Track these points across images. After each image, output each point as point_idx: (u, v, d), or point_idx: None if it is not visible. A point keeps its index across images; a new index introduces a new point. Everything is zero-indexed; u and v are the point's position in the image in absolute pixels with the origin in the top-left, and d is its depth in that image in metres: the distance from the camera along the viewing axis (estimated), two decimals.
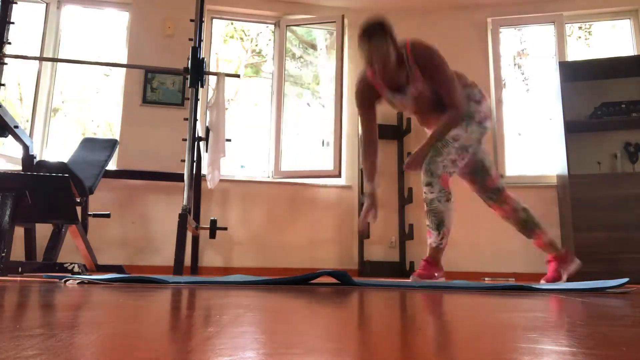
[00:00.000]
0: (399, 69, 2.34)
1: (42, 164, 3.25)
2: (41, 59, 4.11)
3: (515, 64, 5.43)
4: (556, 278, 2.57)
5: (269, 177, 4.95)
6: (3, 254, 2.56)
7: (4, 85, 3.40)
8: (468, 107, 2.42)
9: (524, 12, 5.07)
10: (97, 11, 5.09)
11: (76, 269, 2.81)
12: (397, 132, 4.97)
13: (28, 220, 3.11)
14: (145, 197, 4.62)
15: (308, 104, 5.54)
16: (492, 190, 2.57)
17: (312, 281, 2.14)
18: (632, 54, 4.75)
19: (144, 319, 0.71)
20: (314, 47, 5.66)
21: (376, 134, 2.57)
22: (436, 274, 2.44)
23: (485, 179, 2.59)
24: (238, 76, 4.32)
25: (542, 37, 5.20)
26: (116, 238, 4.50)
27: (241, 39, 6.34)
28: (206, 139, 3.85)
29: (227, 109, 4.85)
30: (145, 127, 4.71)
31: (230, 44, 6.29)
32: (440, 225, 2.37)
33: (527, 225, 2.55)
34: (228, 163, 5.04)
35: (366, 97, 2.48)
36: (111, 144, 3.94)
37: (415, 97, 2.38)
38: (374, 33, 2.21)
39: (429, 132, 2.49)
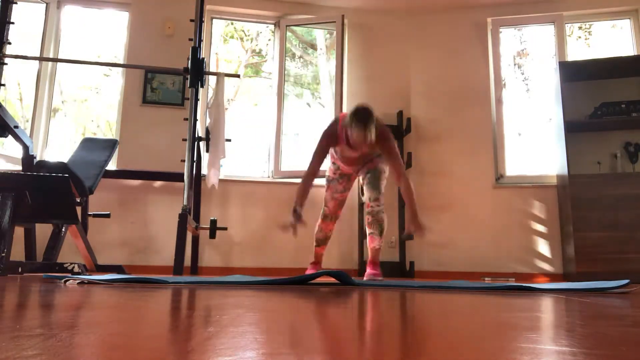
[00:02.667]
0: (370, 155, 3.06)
1: (42, 164, 3.25)
2: (41, 59, 4.11)
3: (515, 64, 5.43)
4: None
5: (269, 177, 4.95)
6: (3, 254, 2.56)
7: (4, 85, 3.40)
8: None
9: (524, 12, 5.07)
10: (97, 11, 5.09)
11: (76, 269, 2.81)
12: (397, 132, 4.96)
13: (28, 220, 3.11)
14: (145, 197, 4.62)
15: (308, 104, 5.54)
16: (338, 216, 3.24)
17: (311, 281, 2.14)
18: (632, 54, 4.74)
19: (144, 319, 0.71)
20: (314, 47, 5.66)
21: (317, 173, 2.99)
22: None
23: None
24: (238, 76, 4.33)
25: (542, 37, 5.20)
26: (116, 238, 4.50)
27: (241, 39, 6.34)
28: (206, 139, 3.85)
29: (227, 109, 4.85)
30: (145, 127, 4.71)
31: (230, 44, 6.29)
32: (382, 231, 2.98)
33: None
34: (229, 163, 5.04)
35: (328, 145, 2.95)
36: (111, 144, 3.94)
37: (362, 153, 2.95)
38: (369, 120, 2.70)
39: (346, 167, 3.11)
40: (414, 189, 2.85)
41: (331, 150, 3.07)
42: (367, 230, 2.96)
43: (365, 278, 3.01)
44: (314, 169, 2.88)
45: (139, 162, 4.61)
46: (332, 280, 2.32)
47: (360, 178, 3.13)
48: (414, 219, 2.77)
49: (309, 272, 3.22)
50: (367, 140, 2.66)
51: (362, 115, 2.68)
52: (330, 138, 2.89)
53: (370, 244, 2.99)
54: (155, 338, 0.52)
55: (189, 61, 3.63)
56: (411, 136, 5.03)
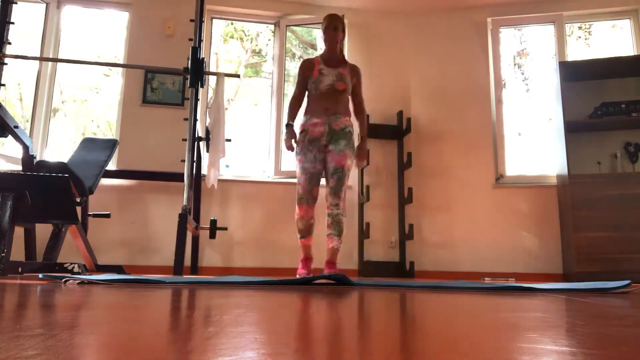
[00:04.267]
0: (340, 56, 3.27)
1: (42, 164, 3.24)
2: (41, 59, 4.11)
3: (515, 64, 5.43)
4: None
5: (269, 177, 4.95)
6: (3, 254, 2.56)
7: (4, 85, 3.40)
8: (354, 140, 3.27)
9: (524, 12, 5.08)
10: (97, 11, 5.09)
11: (76, 269, 2.81)
12: (397, 132, 4.97)
13: (28, 220, 3.11)
14: (145, 197, 4.62)
15: None
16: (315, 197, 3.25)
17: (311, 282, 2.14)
18: (632, 54, 4.74)
19: (144, 319, 0.71)
20: (313, 47, 5.66)
21: (303, 98, 3.29)
22: None
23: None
24: (238, 76, 4.32)
25: (542, 37, 5.20)
26: (116, 238, 4.50)
27: (241, 39, 6.34)
28: (206, 139, 3.85)
29: (227, 109, 4.85)
30: (145, 127, 4.71)
31: (230, 44, 6.29)
32: (341, 232, 3.10)
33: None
34: (232, 164, 5.04)
35: (307, 70, 3.23)
36: (111, 144, 3.94)
37: (338, 74, 3.18)
38: (339, 20, 3.22)
39: (320, 104, 3.19)
40: (363, 116, 3.28)
41: (303, 111, 3.28)
42: (327, 231, 3.12)
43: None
44: (299, 93, 3.24)
45: (139, 162, 4.61)
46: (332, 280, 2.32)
47: (325, 176, 3.20)
48: (364, 151, 3.23)
49: (300, 270, 3.21)
50: (337, 27, 3.15)
51: (332, 14, 3.23)
52: (307, 64, 3.24)
53: (329, 244, 3.11)
54: (155, 338, 0.52)
55: (189, 61, 3.63)
56: (411, 136, 5.03)
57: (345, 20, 5.18)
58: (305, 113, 3.24)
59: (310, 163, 3.12)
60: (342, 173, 3.09)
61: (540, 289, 1.72)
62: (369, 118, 4.97)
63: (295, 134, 3.17)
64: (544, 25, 5.09)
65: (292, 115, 3.23)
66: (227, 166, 5.05)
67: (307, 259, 3.27)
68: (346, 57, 5.16)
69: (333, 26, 3.18)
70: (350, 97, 3.29)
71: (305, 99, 3.28)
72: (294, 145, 3.16)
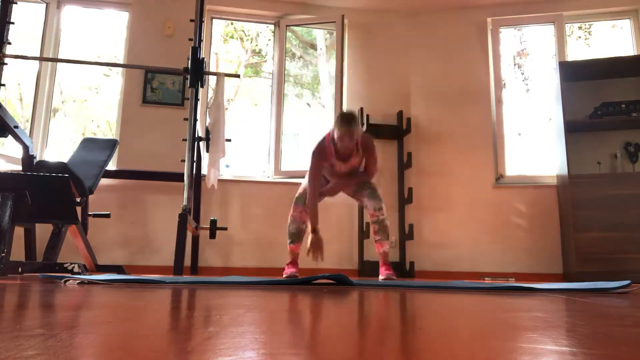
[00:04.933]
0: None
1: (42, 164, 3.24)
2: (41, 59, 4.11)
3: (515, 64, 5.43)
4: None
5: (269, 177, 4.95)
6: (3, 254, 2.55)
7: (4, 85, 3.40)
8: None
9: (524, 12, 5.07)
10: (97, 11, 5.09)
11: (76, 269, 2.81)
12: (397, 132, 4.97)
13: (28, 220, 3.11)
14: (145, 197, 4.62)
15: (308, 104, 5.54)
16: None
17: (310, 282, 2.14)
18: (632, 54, 4.74)
19: (144, 319, 0.71)
20: (314, 47, 5.66)
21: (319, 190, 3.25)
22: None
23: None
24: (238, 76, 4.33)
25: (542, 37, 5.20)
26: (116, 238, 4.50)
27: (241, 39, 6.33)
28: (206, 139, 3.85)
29: (227, 109, 4.85)
30: (145, 127, 4.71)
31: (230, 44, 6.29)
32: (389, 235, 3.20)
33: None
34: (229, 163, 5.04)
35: (320, 161, 3.15)
36: (111, 144, 3.94)
37: (350, 164, 3.20)
38: (353, 121, 3.01)
39: (332, 179, 3.27)
40: (368, 180, 3.30)
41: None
42: (375, 237, 3.16)
43: (381, 278, 3.16)
44: (315, 189, 3.12)
45: (139, 162, 4.61)
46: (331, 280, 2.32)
47: (354, 196, 3.31)
48: (347, 184, 3.23)
49: (285, 272, 3.23)
50: (352, 137, 2.97)
51: (345, 116, 3.02)
52: (320, 154, 3.13)
53: (379, 249, 3.18)
54: (155, 338, 0.52)
55: (189, 61, 3.63)
56: (411, 136, 5.03)
57: (345, 21, 5.19)
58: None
59: (320, 181, 3.19)
60: (371, 183, 3.25)
61: (540, 289, 1.72)
62: (369, 118, 4.97)
63: (322, 241, 3.11)
64: (544, 25, 5.09)
65: (316, 218, 3.11)
66: (227, 166, 5.06)
67: (294, 264, 3.31)
68: (346, 70, 5.20)
69: (349, 137, 2.99)
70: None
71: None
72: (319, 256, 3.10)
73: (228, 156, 4.44)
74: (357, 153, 3.17)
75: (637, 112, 4.34)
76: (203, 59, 3.68)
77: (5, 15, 3.40)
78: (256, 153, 5.14)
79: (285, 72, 5.16)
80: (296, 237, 3.23)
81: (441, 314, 0.86)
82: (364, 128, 4.80)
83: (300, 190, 3.22)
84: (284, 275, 3.21)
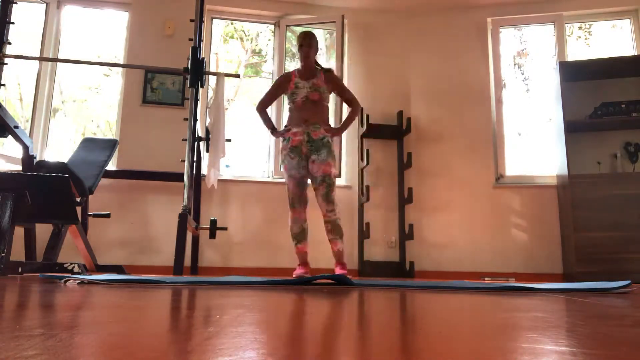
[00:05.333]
0: (313, 68, 3.41)
1: (42, 164, 3.24)
2: (41, 59, 4.11)
3: (515, 64, 5.43)
4: None
5: (269, 177, 4.95)
6: (3, 254, 2.55)
7: (4, 85, 3.40)
8: (334, 148, 3.38)
9: (524, 12, 5.07)
10: (97, 11, 5.09)
11: (76, 269, 2.80)
12: (397, 132, 4.97)
13: (28, 220, 3.11)
14: (145, 197, 4.62)
15: None
16: (306, 200, 3.41)
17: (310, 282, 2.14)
18: (632, 54, 4.74)
19: (144, 319, 0.71)
20: None
21: (268, 106, 3.49)
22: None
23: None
24: (238, 76, 4.32)
25: (542, 37, 5.20)
26: (116, 238, 4.50)
27: (241, 39, 6.33)
28: (206, 139, 3.85)
29: (227, 109, 4.85)
30: (145, 127, 4.71)
31: (230, 44, 6.28)
32: (342, 235, 3.28)
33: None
34: (229, 163, 5.04)
35: (280, 85, 3.43)
36: (111, 144, 3.94)
37: (312, 85, 3.34)
38: (311, 37, 3.41)
39: (299, 115, 3.34)
40: (354, 118, 3.38)
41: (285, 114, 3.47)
42: (328, 237, 3.27)
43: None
44: (263, 102, 3.43)
45: (139, 162, 4.61)
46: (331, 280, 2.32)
47: (312, 183, 3.33)
48: (338, 128, 3.34)
49: (296, 273, 3.30)
50: (311, 44, 3.33)
51: (303, 31, 3.42)
52: (284, 78, 3.41)
53: (333, 248, 3.27)
54: (155, 338, 0.52)
55: (189, 61, 3.63)
56: (411, 136, 5.03)
57: (345, 21, 5.19)
58: (287, 124, 3.40)
59: (294, 170, 3.30)
60: (330, 180, 3.26)
61: (540, 289, 1.72)
62: (369, 118, 4.97)
63: (280, 132, 3.39)
64: (544, 25, 5.09)
65: (269, 122, 3.43)
66: (227, 166, 5.05)
67: (305, 265, 3.37)
68: (346, 70, 5.20)
69: (307, 43, 3.36)
70: (336, 104, 3.50)
71: (287, 112, 3.45)
72: (281, 135, 3.37)
73: (228, 156, 4.44)
74: (319, 77, 3.35)
75: (637, 112, 4.34)
76: (203, 59, 3.68)
77: (5, 15, 3.40)
78: (256, 153, 5.14)
79: (285, 72, 5.16)
80: (301, 236, 3.32)
81: (441, 314, 0.86)
82: (364, 128, 4.80)
83: (289, 195, 3.34)
84: (294, 276, 3.24)
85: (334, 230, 3.25)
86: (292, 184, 3.32)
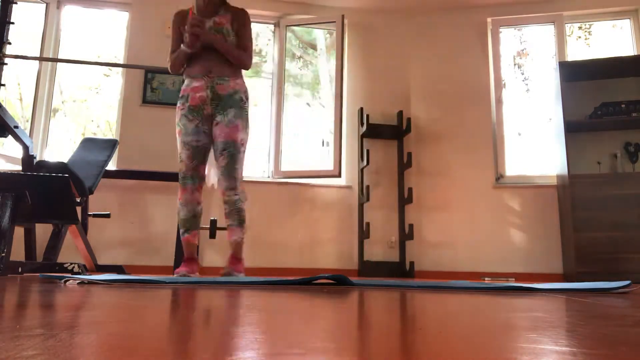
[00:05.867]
0: (218, 2, 2.73)
1: (42, 164, 3.24)
2: (41, 59, 4.11)
3: (515, 64, 5.43)
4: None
5: (269, 177, 4.95)
6: (3, 254, 2.56)
7: (4, 85, 3.40)
8: (245, 109, 2.71)
9: (524, 12, 5.08)
10: (97, 11, 5.09)
11: (76, 269, 2.81)
12: (397, 132, 4.97)
13: (28, 220, 3.11)
14: (145, 197, 4.62)
15: (308, 104, 5.54)
16: (202, 176, 2.73)
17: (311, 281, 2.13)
18: (632, 54, 4.74)
19: (144, 319, 0.71)
20: (314, 47, 5.66)
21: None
22: (242, 270, 2.73)
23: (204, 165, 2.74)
24: None
25: (542, 37, 5.20)
26: (116, 238, 4.50)
27: None
28: None
29: None
30: (145, 127, 4.72)
31: None
32: (243, 222, 2.66)
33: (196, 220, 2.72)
34: None
35: (179, 23, 2.77)
36: (111, 144, 3.95)
37: (214, 24, 2.67)
38: None
39: (200, 64, 2.68)
40: (233, 58, 2.65)
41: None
42: (226, 222, 2.68)
43: (222, 272, 2.71)
44: (175, 48, 2.79)
45: (139, 162, 4.61)
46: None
47: (214, 152, 2.69)
48: (210, 35, 2.63)
49: (178, 271, 2.67)
50: None
51: None
52: (179, 16, 2.78)
53: (230, 236, 2.67)
54: (155, 338, 0.52)
55: None
56: (411, 136, 5.03)
57: (345, 21, 5.19)
58: (186, 76, 2.73)
59: (192, 136, 2.64)
60: (235, 149, 2.60)
61: (540, 289, 1.72)
62: (369, 118, 4.97)
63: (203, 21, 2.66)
64: (544, 25, 5.09)
65: (181, 64, 2.74)
66: None
67: (191, 260, 2.72)
68: (346, 70, 5.20)
69: None
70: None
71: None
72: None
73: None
74: (224, 14, 2.69)
75: (637, 112, 4.34)
76: None
77: (5, 15, 3.40)
78: (256, 153, 5.14)
79: (285, 72, 5.17)
80: (190, 223, 2.67)
81: (441, 314, 0.86)
82: (364, 128, 4.80)
83: (180, 167, 2.66)
84: (175, 274, 2.64)
85: (232, 214, 2.61)
86: (186, 154, 2.63)
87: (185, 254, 2.72)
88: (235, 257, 2.72)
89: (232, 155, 2.60)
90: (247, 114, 2.69)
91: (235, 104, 2.64)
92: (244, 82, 2.74)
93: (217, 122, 2.63)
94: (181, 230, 2.69)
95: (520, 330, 0.64)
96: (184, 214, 2.65)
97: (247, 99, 2.72)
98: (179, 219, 2.67)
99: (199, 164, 2.65)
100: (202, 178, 2.68)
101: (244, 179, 4.82)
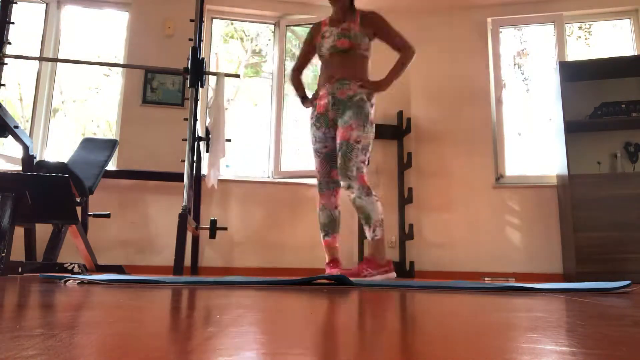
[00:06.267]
0: (348, 9, 2.81)
1: (42, 164, 3.24)
2: (41, 59, 4.11)
3: (515, 64, 5.43)
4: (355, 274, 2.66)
5: (269, 177, 4.95)
6: (3, 254, 2.56)
7: (4, 85, 3.40)
8: (366, 107, 2.73)
9: (524, 12, 5.07)
10: (97, 11, 5.09)
11: (76, 269, 2.81)
12: (397, 132, 4.97)
13: (28, 220, 3.11)
14: (145, 197, 4.62)
15: None
16: (336, 181, 2.80)
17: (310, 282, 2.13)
18: (632, 54, 4.74)
19: (144, 319, 0.71)
20: None
21: (303, 69, 2.98)
22: (378, 270, 2.68)
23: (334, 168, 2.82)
24: (238, 76, 4.32)
25: (542, 37, 5.20)
26: (116, 238, 4.50)
27: (241, 39, 6.33)
28: (206, 139, 3.85)
29: (227, 109, 4.85)
30: (145, 127, 4.72)
31: (230, 44, 6.29)
32: (368, 219, 2.61)
33: (333, 225, 2.80)
34: (230, 163, 5.04)
35: (310, 40, 2.89)
36: (111, 144, 3.95)
37: (341, 31, 2.74)
38: None
39: (325, 72, 2.80)
40: (406, 65, 2.82)
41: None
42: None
43: (329, 272, 2.75)
44: (296, 65, 2.94)
45: (139, 162, 4.61)
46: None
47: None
48: (380, 81, 2.78)
49: (328, 270, 2.79)
50: None
51: None
52: (313, 28, 2.90)
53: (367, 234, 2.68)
54: (155, 338, 0.52)
55: (189, 61, 3.63)
56: (411, 136, 5.03)
57: None
58: (318, 86, 2.85)
59: (320, 143, 2.76)
60: (347, 147, 2.60)
61: (540, 289, 1.72)
62: None
63: (310, 101, 2.87)
64: (544, 25, 5.09)
65: (300, 88, 2.91)
66: (227, 166, 5.06)
67: (335, 261, 2.78)
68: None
69: None
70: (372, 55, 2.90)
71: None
72: (311, 105, 2.85)
73: (228, 156, 4.44)
74: (352, 20, 2.75)
75: (637, 112, 4.34)
76: (203, 59, 3.68)
77: (5, 15, 3.40)
78: (256, 153, 5.14)
79: (285, 72, 5.16)
80: (329, 227, 2.75)
81: (441, 314, 0.86)
82: None
83: (316, 176, 2.80)
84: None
85: (358, 213, 2.60)
86: (317, 161, 2.77)
87: (328, 257, 2.80)
88: (366, 258, 2.68)
89: (344, 154, 2.61)
90: (366, 113, 2.69)
91: (354, 105, 2.68)
92: (365, 83, 2.79)
93: (338, 126, 2.71)
94: (322, 234, 2.80)
95: (520, 330, 0.64)
96: (323, 218, 2.77)
97: (369, 99, 2.75)
98: (319, 223, 2.79)
99: (331, 169, 2.76)
100: (336, 182, 2.75)
101: (244, 179, 4.83)
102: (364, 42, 2.75)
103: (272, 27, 5.30)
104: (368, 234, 2.63)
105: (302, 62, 2.92)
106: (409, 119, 4.90)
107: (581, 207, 4.19)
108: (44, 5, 4.87)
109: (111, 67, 5.35)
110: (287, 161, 5.01)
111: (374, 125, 2.77)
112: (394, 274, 2.71)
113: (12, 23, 3.48)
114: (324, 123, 2.74)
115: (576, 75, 4.61)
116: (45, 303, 0.96)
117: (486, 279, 4.49)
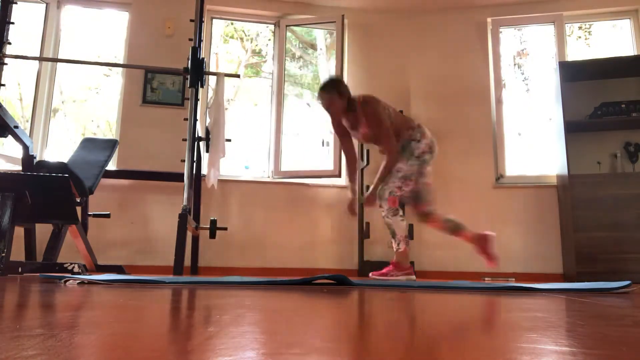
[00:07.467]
0: (351, 114, 3.19)
1: (42, 164, 3.25)
2: (41, 59, 4.11)
3: (515, 64, 5.43)
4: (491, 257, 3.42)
5: (269, 177, 4.95)
6: (3, 254, 2.56)
7: (4, 85, 3.40)
8: (408, 146, 3.19)
9: (524, 12, 5.07)
10: (97, 11, 5.09)
11: (76, 269, 2.81)
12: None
13: (28, 220, 3.11)
14: (145, 197, 4.62)
15: (308, 104, 5.54)
16: (422, 214, 3.34)
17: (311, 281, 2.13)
18: (632, 54, 4.74)
19: (144, 319, 0.71)
20: (313, 47, 5.66)
21: (353, 151, 3.39)
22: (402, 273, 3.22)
23: (418, 204, 3.33)
24: (238, 76, 4.32)
25: (542, 37, 5.20)
26: (116, 238, 4.50)
27: (241, 39, 6.34)
28: (206, 139, 3.85)
29: (227, 109, 4.85)
30: (145, 127, 4.71)
31: (230, 44, 6.29)
32: (394, 234, 3.15)
33: (456, 229, 3.42)
34: (230, 163, 5.04)
35: (340, 126, 3.30)
36: (111, 144, 3.94)
37: (363, 136, 3.22)
38: (323, 88, 3.14)
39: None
40: (390, 164, 3.16)
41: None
42: None
43: (372, 276, 3.28)
44: (345, 148, 3.35)
45: (139, 162, 4.61)
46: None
47: None
48: (374, 189, 3.16)
49: (405, 276, 3.23)
50: (323, 101, 3.13)
51: (321, 84, 3.19)
52: (335, 122, 3.30)
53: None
54: (155, 338, 0.52)
55: (189, 61, 3.63)
56: None
57: (345, 21, 5.18)
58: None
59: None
60: (390, 174, 3.18)
61: (540, 289, 1.72)
62: None
63: (355, 198, 3.29)
64: (544, 25, 5.09)
65: (352, 175, 3.38)
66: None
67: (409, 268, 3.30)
68: (346, 70, 5.19)
69: (320, 99, 3.19)
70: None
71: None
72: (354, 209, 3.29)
73: (232, 157, 4.44)
74: (361, 119, 3.16)
75: (637, 112, 4.34)
76: (203, 59, 3.68)
77: (5, 15, 3.40)
78: (256, 153, 5.14)
79: (285, 72, 5.16)
80: (458, 227, 3.42)
81: (441, 314, 0.86)
82: None
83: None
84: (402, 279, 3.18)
85: (387, 227, 3.19)
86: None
87: (404, 264, 3.23)
88: (392, 262, 3.19)
89: (387, 180, 3.17)
90: (411, 150, 3.16)
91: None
92: (396, 144, 3.18)
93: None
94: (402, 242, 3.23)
95: (520, 330, 0.64)
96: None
97: (411, 140, 3.18)
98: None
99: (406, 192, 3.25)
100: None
101: (244, 179, 4.83)
102: (372, 126, 3.16)
103: (272, 27, 5.30)
104: (394, 245, 3.17)
105: (346, 144, 3.39)
106: None
107: (581, 207, 4.18)
108: (44, 5, 4.87)
109: (111, 67, 5.35)
110: (287, 161, 5.01)
111: (421, 158, 3.22)
112: (414, 276, 3.21)
113: (12, 23, 3.48)
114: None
115: (576, 75, 4.61)
116: (45, 303, 0.96)
117: (486, 279, 4.49)
